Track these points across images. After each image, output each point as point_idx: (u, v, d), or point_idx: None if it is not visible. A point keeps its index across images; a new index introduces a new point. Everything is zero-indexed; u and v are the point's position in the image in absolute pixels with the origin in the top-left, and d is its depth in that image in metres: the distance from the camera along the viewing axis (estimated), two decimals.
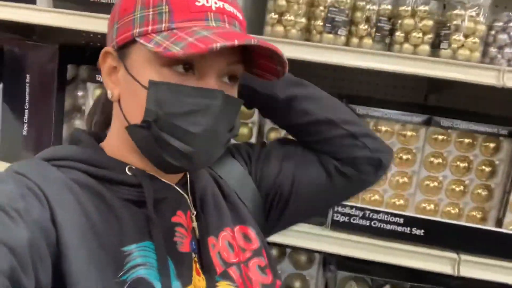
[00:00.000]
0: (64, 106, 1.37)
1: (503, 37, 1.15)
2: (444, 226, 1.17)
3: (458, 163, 1.26)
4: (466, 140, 1.25)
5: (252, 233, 0.82)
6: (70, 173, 0.68)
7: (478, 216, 1.27)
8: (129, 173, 0.70)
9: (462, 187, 1.26)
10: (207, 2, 0.65)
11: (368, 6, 1.18)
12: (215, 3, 0.66)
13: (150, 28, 0.65)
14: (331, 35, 1.17)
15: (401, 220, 1.15)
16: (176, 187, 0.75)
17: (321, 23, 1.18)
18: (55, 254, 0.60)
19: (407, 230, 1.15)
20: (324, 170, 0.85)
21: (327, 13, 1.17)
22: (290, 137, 0.91)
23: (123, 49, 0.68)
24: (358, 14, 1.18)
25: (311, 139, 0.86)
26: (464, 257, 1.16)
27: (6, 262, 0.51)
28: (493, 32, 1.17)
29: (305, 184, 0.85)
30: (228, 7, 0.67)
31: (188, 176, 0.78)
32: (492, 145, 1.25)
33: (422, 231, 1.13)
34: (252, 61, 0.69)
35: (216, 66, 0.66)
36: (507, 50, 1.15)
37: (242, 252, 0.78)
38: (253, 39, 0.61)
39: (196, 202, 0.77)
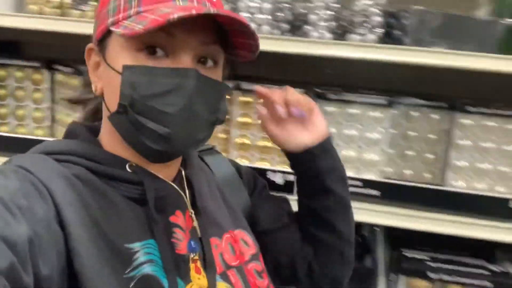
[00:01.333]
0: None
1: None
2: None
3: None
4: None
5: (249, 238, 0.82)
6: (72, 168, 0.67)
7: None
8: (130, 170, 0.70)
9: None
10: None
11: None
12: None
13: (121, 15, 0.65)
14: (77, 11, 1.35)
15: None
16: (174, 186, 0.74)
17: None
18: (64, 252, 0.59)
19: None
20: (298, 260, 0.89)
21: None
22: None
23: (102, 42, 0.69)
24: None
25: (313, 226, 0.88)
26: None
27: (5, 260, 0.50)
28: None
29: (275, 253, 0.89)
30: None
31: (183, 172, 0.78)
32: None
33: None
34: (229, 42, 0.69)
35: (188, 46, 0.65)
36: None
37: (242, 256, 0.79)
38: (212, 10, 0.61)
39: (196, 199, 0.76)
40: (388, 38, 1.24)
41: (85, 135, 0.73)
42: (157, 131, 0.64)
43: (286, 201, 0.95)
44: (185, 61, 0.65)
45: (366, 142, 1.27)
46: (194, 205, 0.76)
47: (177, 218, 0.72)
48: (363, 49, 1.15)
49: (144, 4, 0.65)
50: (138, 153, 0.69)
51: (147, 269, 0.64)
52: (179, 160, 0.79)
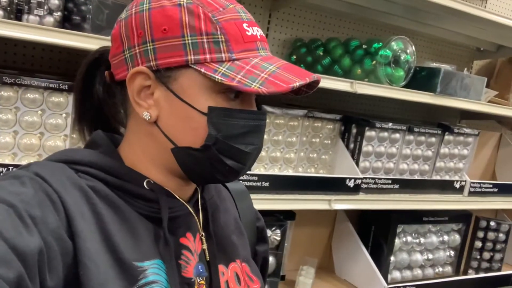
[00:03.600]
0: None
1: None
2: None
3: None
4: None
5: (253, 275, 0.82)
6: (89, 180, 0.67)
7: None
8: (147, 187, 0.70)
9: None
10: (253, 30, 0.67)
11: None
12: (257, 31, 0.68)
13: (208, 56, 0.64)
14: None
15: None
16: (189, 207, 0.74)
17: None
18: (72, 264, 0.59)
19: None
20: None
21: None
22: None
23: (166, 71, 0.66)
24: None
25: None
26: None
27: (14, 270, 0.50)
28: None
29: None
30: (262, 33, 0.70)
31: (199, 193, 0.77)
32: None
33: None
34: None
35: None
36: None
37: (246, 287, 0.79)
38: (316, 75, 0.67)
39: (209, 222, 0.76)
40: (68, 23, 1.23)
41: (106, 147, 0.72)
42: (233, 167, 0.68)
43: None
44: (253, 103, 0.70)
45: (48, 128, 1.22)
46: (206, 228, 0.76)
47: (187, 240, 0.73)
48: (40, 31, 1.10)
49: (235, 50, 0.65)
50: (190, 179, 0.71)
51: None
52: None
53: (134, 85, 0.68)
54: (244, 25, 0.66)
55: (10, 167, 1.12)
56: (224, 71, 0.64)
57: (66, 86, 1.22)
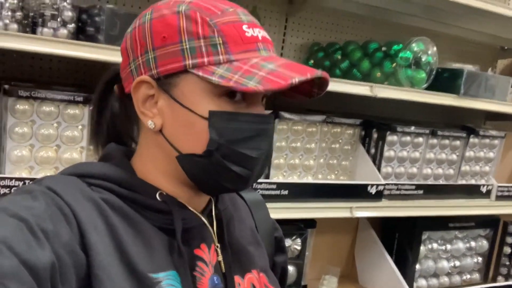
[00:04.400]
0: None
1: None
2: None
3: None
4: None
5: (271, 285, 0.80)
6: (102, 193, 0.66)
7: None
8: (159, 199, 0.69)
9: None
10: (253, 32, 0.66)
11: None
12: (259, 32, 0.67)
13: (206, 59, 0.63)
14: None
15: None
16: (203, 218, 0.73)
17: None
18: (85, 277, 0.59)
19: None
20: None
21: None
22: None
23: (167, 79, 0.65)
24: None
25: None
26: None
27: (25, 285, 0.50)
28: None
29: None
30: (266, 35, 0.68)
31: (213, 203, 0.76)
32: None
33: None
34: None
35: (261, 93, 0.67)
36: None
37: None
38: (319, 72, 0.64)
39: (224, 233, 0.75)
40: (82, 34, 1.22)
41: (119, 159, 0.72)
42: (240, 174, 0.66)
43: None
44: (259, 104, 0.68)
45: (64, 140, 1.22)
46: (220, 239, 0.75)
47: (202, 251, 0.71)
48: (53, 44, 1.10)
49: (233, 51, 0.64)
50: (200, 189, 0.70)
51: None
52: None
53: (138, 95, 0.68)
54: (244, 26, 0.65)
55: (27, 181, 1.11)
56: (222, 72, 0.62)
57: (82, 98, 1.21)
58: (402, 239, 1.86)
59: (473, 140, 1.88)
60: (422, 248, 1.86)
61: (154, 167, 0.71)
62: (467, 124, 2.00)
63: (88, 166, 0.71)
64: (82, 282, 0.59)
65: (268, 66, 0.63)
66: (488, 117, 2.33)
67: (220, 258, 0.73)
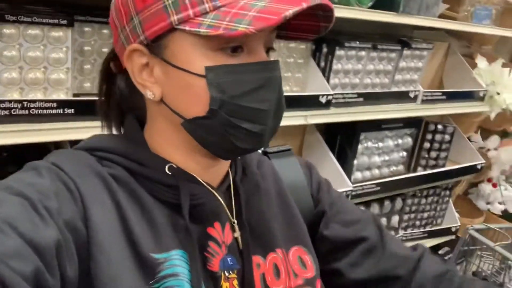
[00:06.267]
0: None
1: None
2: None
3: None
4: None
5: (308, 258, 0.75)
6: (111, 167, 0.64)
7: None
8: (169, 172, 0.65)
9: None
10: None
11: None
12: None
13: (191, 12, 0.58)
14: None
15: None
16: (215, 193, 0.68)
17: None
18: (85, 255, 0.57)
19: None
20: None
21: None
22: None
23: (156, 42, 0.61)
24: None
25: None
26: None
27: (30, 264, 0.49)
28: None
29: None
30: None
31: (231, 177, 0.72)
32: None
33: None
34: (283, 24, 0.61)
35: (263, 38, 0.62)
36: None
37: (293, 278, 0.71)
38: (315, 0, 0.57)
39: (242, 210, 0.70)
40: None
41: (132, 132, 0.70)
42: (252, 130, 0.61)
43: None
44: (261, 53, 0.63)
45: (51, 62, 1.29)
46: (239, 215, 0.70)
47: (215, 230, 0.67)
48: None
49: None
50: (213, 153, 0.65)
51: (172, 282, 0.61)
52: (226, 163, 0.72)
53: (133, 66, 0.65)
54: None
55: (20, 103, 1.20)
56: (209, 22, 0.58)
57: (66, 21, 1.27)
58: (343, 140, 2.14)
59: (406, 52, 2.13)
60: (359, 146, 2.16)
61: (163, 139, 0.68)
62: (397, 34, 2.23)
63: (98, 140, 0.69)
64: (83, 260, 0.58)
65: (258, 4, 0.58)
66: (415, 28, 2.58)
67: (237, 235, 0.69)
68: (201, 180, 0.68)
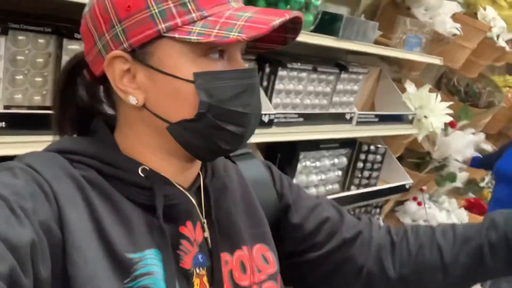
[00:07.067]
0: None
1: None
2: None
3: None
4: None
5: (270, 255, 0.79)
6: (83, 170, 0.65)
7: None
8: (142, 175, 0.67)
9: None
10: None
11: None
12: None
13: (178, 20, 0.62)
14: None
15: None
16: (187, 194, 0.71)
17: None
18: (60, 256, 0.58)
19: None
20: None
21: None
22: None
23: (141, 49, 0.64)
24: None
25: None
26: None
27: (6, 263, 0.48)
28: None
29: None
30: None
31: (201, 178, 0.75)
32: None
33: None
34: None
35: (238, 45, 0.67)
36: None
37: (257, 273, 0.75)
38: (296, 12, 0.64)
39: (211, 209, 0.73)
40: None
41: (102, 134, 0.70)
42: (235, 132, 0.66)
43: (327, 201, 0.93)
44: (239, 60, 0.67)
45: None
46: (209, 215, 0.73)
47: (187, 229, 0.70)
48: None
49: (204, 7, 0.63)
50: (193, 155, 0.69)
51: (146, 281, 0.62)
52: (198, 166, 0.75)
53: (114, 72, 0.66)
54: None
55: None
56: (199, 30, 0.62)
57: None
58: (283, 159, 2.17)
59: (343, 75, 2.21)
60: (298, 165, 2.20)
61: (139, 143, 0.69)
62: (334, 57, 2.31)
63: (69, 142, 0.70)
64: (57, 261, 0.58)
65: (244, 14, 0.62)
66: (350, 52, 2.69)
67: (207, 234, 0.72)
68: (174, 182, 0.70)
